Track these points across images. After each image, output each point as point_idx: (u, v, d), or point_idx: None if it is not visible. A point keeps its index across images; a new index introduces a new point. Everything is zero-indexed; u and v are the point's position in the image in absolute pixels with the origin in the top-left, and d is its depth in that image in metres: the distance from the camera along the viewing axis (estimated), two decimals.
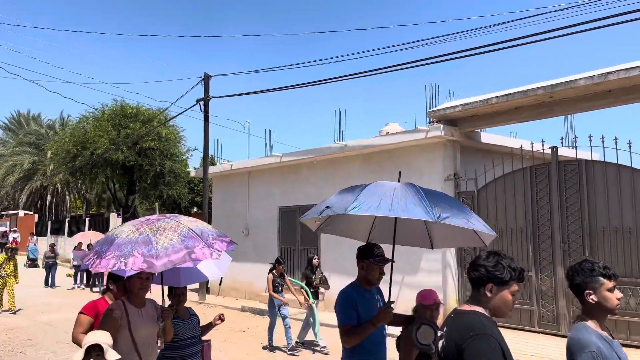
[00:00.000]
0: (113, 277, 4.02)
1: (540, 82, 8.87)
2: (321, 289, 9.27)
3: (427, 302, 3.71)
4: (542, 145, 9.23)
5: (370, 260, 3.40)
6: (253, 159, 14.73)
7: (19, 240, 27.53)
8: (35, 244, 26.80)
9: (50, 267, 17.81)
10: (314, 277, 8.91)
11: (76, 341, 3.84)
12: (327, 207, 3.18)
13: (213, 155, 21.51)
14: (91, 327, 3.83)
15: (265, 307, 12.30)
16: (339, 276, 12.06)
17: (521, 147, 9.60)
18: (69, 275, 18.71)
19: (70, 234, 27.92)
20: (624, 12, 7.22)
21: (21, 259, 25.39)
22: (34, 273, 21.70)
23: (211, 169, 15.98)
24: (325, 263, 12.40)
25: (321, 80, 12.27)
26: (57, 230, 30.19)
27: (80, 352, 3.06)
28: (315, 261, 9.06)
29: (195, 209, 33.40)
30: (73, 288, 17.36)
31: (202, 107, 15.21)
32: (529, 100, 9.09)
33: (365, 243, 3.56)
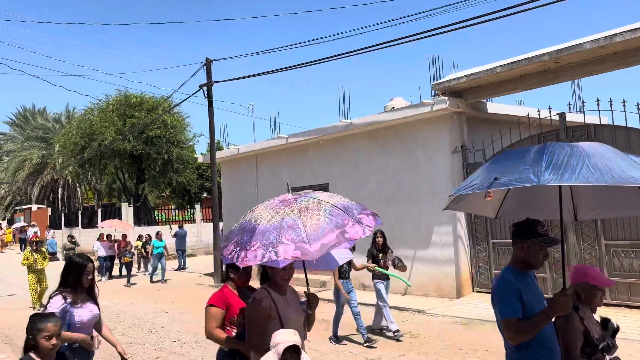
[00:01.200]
0: (232, 265, 3.57)
1: (545, 48, 8.73)
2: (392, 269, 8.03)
3: (601, 284, 3.09)
4: (550, 112, 9.14)
5: (536, 240, 2.80)
6: (259, 142, 14.73)
7: (39, 234, 27.65)
8: (53, 237, 26.79)
9: None
10: (381, 256, 7.91)
11: (214, 337, 3.43)
12: (496, 179, 2.59)
13: (219, 140, 21.53)
14: (224, 320, 3.46)
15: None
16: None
17: (528, 115, 9.51)
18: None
19: (84, 226, 28.26)
20: None
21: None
22: (54, 266, 21.85)
23: (218, 154, 16.02)
24: None
25: (323, 59, 12.16)
26: (71, 222, 30.54)
27: (272, 354, 2.78)
28: (379, 239, 7.89)
29: (205, 195, 33.63)
30: (99, 280, 16.47)
31: (206, 92, 15.17)
32: (534, 67, 8.97)
33: (521, 219, 2.96)
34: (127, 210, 24.17)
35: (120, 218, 24.11)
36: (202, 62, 15.33)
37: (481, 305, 9.08)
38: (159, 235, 16.35)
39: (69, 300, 3.74)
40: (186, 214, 28.25)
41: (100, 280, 16.50)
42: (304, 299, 3.34)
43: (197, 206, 26.62)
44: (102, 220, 26.22)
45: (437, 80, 10.58)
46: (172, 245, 19.29)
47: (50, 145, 38.00)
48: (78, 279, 3.79)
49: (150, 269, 16.47)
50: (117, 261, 17.35)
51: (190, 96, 16.51)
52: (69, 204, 40.34)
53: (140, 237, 18.46)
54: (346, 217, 2.84)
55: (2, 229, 35.40)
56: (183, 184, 28.71)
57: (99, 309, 4.00)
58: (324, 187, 12.82)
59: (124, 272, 16.37)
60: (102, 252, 17.10)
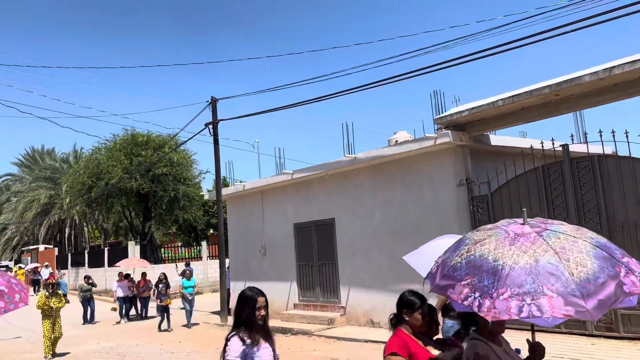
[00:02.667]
0: (406, 304, 3.24)
1: (545, 80, 8.85)
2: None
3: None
4: (553, 143, 9.18)
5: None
6: (265, 178, 14.82)
7: (55, 275, 26.69)
8: (62, 278, 25.92)
9: (88, 301, 16.31)
10: None
11: None
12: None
13: (225, 177, 21.72)
14: None
15: (288, 325, 12.30)
16: (356, 289, 12.04)
17: (531, 146, 9.56)
18: (114, 310, 16.85)
19: (91, 265, 28.19)
20: (621, 6, 7.21)
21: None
22: (66, 309, 20.89)
23: (224, 191, 16.10)
24: (343, 277, 12.38)
25: (326, 96, 12.35)
26: (78, 263, 30.50)
27: None
28: None
29: (211, 231, 33.61)
30: (119, 322, 15.99)
31: (211, 130, 15.37)
32: (535, 100, 9.07)
33: None
34: (134, 249, 24.15)
35: (127, 257, 24.07)
36: (207, 101, 15.60)
37: None
38: (186, 274, 15.34)
39: (248, 341, 3.30)
40: (192, 251, 28.18)
41: (120, 322, 15.99)
42: (514, 346, 2.90)
43: (204, 243, 26.56)
44: (109, 259, 26.20)
45: (439, 114, 10.69)
46: (178, 283, 19.16)
47: (57, 185, 38.34)
48: (251, 315, 3.38)
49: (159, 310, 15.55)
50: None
51: (196, 134, 16.68)
52: (75, 244, 40.35)
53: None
54: (615, 263, 2.25)
55: (11, 270, 35.26)
56: (189, 221, 28.76)
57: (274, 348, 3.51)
58: (330, 222, 12.82)
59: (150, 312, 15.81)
60: (121, 293, 16.39)
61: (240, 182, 16.24)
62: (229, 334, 3.39)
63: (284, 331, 12.14)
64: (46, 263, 31.30)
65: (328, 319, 12.11)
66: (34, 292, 27.91)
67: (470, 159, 10.44)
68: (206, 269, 25.16)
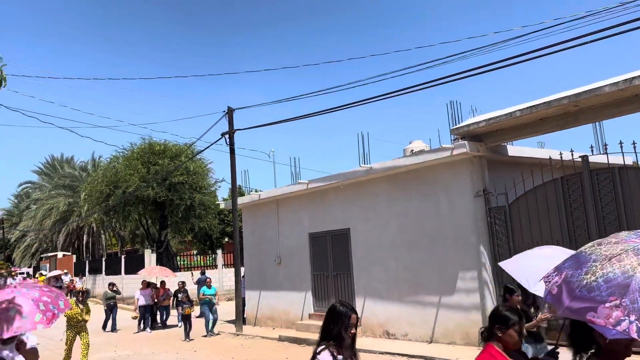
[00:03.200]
0: (501, 319, 3.02)
1: (564, 91, 8.76)
2: None
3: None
4: (572, 154, 9.07)
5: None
6: (280, 188, 14.86)
7: (76, 282, 26.27)
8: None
9: (112, 309, 16.13)
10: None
11: None
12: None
13: (241, 186, 21.82)
14: None
15: (303, 335, 12.26)
16: (372, 299, 11.97)
17: (550, 157, 9.45)
18: (135, 318, 16.42)
19: (108, 273, 28.47)
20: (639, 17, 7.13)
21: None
22: (91, 323, 20.52)
23: (240, 200, 16.17)
24: (359, 287, 12.32)
25: (342, 106, 12.39)
26: (95, 270, 30.82)
27: None
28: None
29: (226, 239, 33.75)
30: (139, 331, 15.78)
31: (227, 140, 15.49)
32: (554, 110, 8.97)
33: None
34: (150, 257, 24.34)
35: (143, 264, 24.26)
36: (224, 111, 15.73)
37: None
38: (208, 282, 15.27)
39: (339, 357, 3.18)
40: (208, 259, 28.32)
41: (141, 331, 15.75)
42: None
43: (219, 251, 26.67)
44: (126, 267, 26.44)
45: (456, 124, 10.64)
46: (194, 291, 19.23)
47: (76, 193, 38.90)
48: (343, 332, 3.26)
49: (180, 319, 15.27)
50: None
51: (212, 144, 16.79)
52: (93, 251, 40.83)
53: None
54: None
55: (31, 276, 35.67)
56: (205, 230, 28.94)
57: None
58: (345, 232, 12.79)
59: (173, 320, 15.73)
60: (142, 301, 16.07)
61: (256, 191, 16.31)
62: (317, 348, 3.23)
63: (299, 341, 12.11)
64: (65, 270, 31.59)
65: None
66: None
67: (488, 169, 10.36)
68: (221, 278, 25.23)
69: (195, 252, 32.43)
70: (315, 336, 11.87)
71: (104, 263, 29.80)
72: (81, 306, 10.54)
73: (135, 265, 25.53)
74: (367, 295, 12.14)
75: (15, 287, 3.72)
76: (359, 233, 12.48)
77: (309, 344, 11.80)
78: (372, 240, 12.12)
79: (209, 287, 15.04)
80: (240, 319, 14.73)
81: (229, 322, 16.09)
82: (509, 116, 9.34)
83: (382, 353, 10.07)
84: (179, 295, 15.66)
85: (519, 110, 9.22)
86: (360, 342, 11.19)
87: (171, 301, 17.23)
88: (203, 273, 20.46)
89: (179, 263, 27.78)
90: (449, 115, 11.09)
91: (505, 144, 10.78)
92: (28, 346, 3.70)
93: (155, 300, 16.52)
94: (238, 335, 14.10)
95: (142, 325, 16.01)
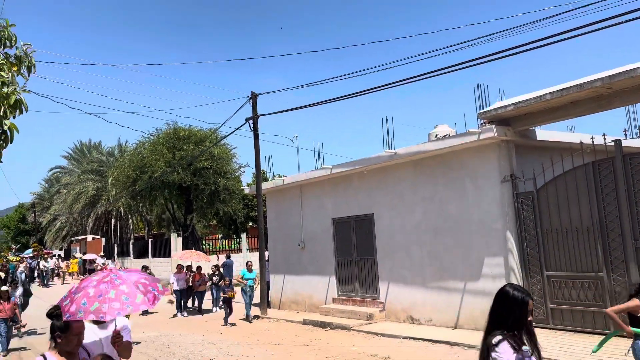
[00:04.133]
0: None
1: (597, 73, 8.48)
2: None
3: None
4: (604, 138, 8.81)
5: None
6: (304, 173, 14.87)
7: (109, 265, 26.73)
8: None
9: None
10: None
11: None
12: None
13: (265, 171, 21.91)
14: None
15: (327, 319, 12.35)
16: (396, 284, 11.95)
17: (581, 142, 9.19)
18: (171, 302, 16.20)
19: (135, 256, 29.11)
20: None
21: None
22: None
23: (264, 185, 16.26)
24: (383, 272, 12.31)
25: (366, 90, 12.25)
26: (123, 253, 31.52)
27: None
28: None
29: (250, 224, 34.07)
30: (175, 316, 15.61)
31: (251, 125, 15.52)
32: (586, 93, 8.70)
33: None
34: (176, 241, 24.73)
35: (169, 248, 24.67)
36: (247, 96, 15.74)
37: None
38: (248, 265, 14.62)
39: (525, 348, 2.83)
40: (232, 243, 28.66)
41: (176, 315, 15.64)
42: None
43: (243, 236, 26.95)
44: (152, 250, 26.95)
45: (483, 108, 10.43)
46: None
47: (104, 177, 39.68)
48: (523, 319, 2.87)
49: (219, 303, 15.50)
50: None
51: (236, 129, 16.82)
52: (121, 234, 41.74)
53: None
54: None
55: (62, 259, 36.62)
56: (229, 214, 29.22)
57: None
58: (369, 218, 12.75)
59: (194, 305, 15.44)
60: (177, 286, 15.91)
61: (280, 176, 16.36)
62: (493, 338, 2.84)
63: (323, 325, 12.20)
64: (101, 253, 32.30)
65: (367, 314, 12.08)
66: None
67: (516, 154, 10.15)
68: (246, 261, 25.53)
69: (220, 236, 32.83)
70: (340, 320, 12.00)
71: (131, 246, 30.45)
72: None
73: (162, 248, 26.02)
74: (391, 281, 12.13)
75: (111, 270, 3.71)
76: (383, 218, 12.43)
77: (332, 328, 11.88)
78: (396, 225, 12.06)
79: (250, 270, 14.51)
80: (264, 302, 14.90)
81: (254, 305, 16.29)
82: (539, 99, 9.10)
83: (406, 338, 10.07)
84: (214, 278, 15.76)
85: (549, 93, 8.97)
86: (384, 327, 11.24)
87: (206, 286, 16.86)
88: (228, 257, 20.73)
89: (204, 247, 28.18)
90: (476, 99, 10.89)
91: (534, 128, 10.53)
92: (118, 326, 3.65)
93: (190, 285, 16.33)
94: (263, 318, 14.28)
95: (180, 311, 15.79)
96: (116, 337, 3.57)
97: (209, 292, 16.76)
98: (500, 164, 9.99)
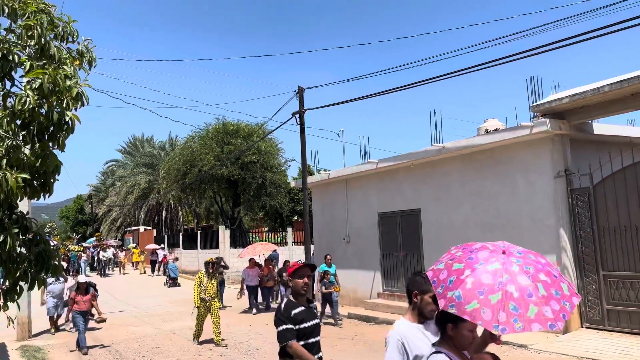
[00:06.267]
0: None
1: None
2: None
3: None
4: None
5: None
6: (350, 167, 14.86)
7: (169, 256, 26.66)
8: (174, 261, 23.88)
9: (220, 285, 13.99)
10: None
11: None
12: None
13: (310, 165, 22.02)
14: None
15: (372, 314, 12.33)
16: None
17: None
18: (239, 298, 14.95)
19: (185, 247, 29.99)
20: None
21: (159, 278, 25.92)
22: (177, 290, 20.67)
23: (310, 179, 16.36)
24: (429, 267, 12.14)
25: (413, 83, 12.06)
26: (173, 244, 32.53)
27: None
28: None
29: (296, 217, 34.41)
30: (244, 312, 14.61)
31: (298, 119, 15.63)
32: None
33: None
34: (224, 233, 25.30)
35: (217, 240, 25.23)
36: (294, 91, 15.84)
37: (591, 343, 8.34)
38: (327, 260, 13.06)
39: None
40: (278, 236, 29.04)
41: (247, 312, 14.50)
42: None
43: (289, 229, 27.27)
44: (201, 242, 27.67)
45: (536, 101, 10.09)
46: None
47: (156, 171, 41.05)
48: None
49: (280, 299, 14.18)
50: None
51: (283, 124, 16.99)
52: (171, 226, 43.11)
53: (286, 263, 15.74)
54: None
55: (120, 248, 37.94)
56: (275, 208, 29.61)
57: None
58: (415, 213, 12.61)
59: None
60: (249, 282, 14.79)
61: (325, 170, 16.42)
62: None
63: (368, 320, 12.19)
64: (162, 245, 32.48)
65: None
66: (152, 273, 29.35)
67: (570, 149, 9.77)
68: (291, 255, 25.81)
69: (266, 229, 33.35)
70: (385, 315, 11.96)
71: (181, 238, 31.38)
72: (212, 281, 10.17)
73: (210, 240, 26.68)
74: None
75: (495, 250, 2.50)
76: (430, 213, 12.27)
77: (377, 323, 11.85)
78: (443, 220, 11.88)
79: (329, 265, 12.96)
80: (310, 295, 14.99)
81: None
82: (596, 91, 8.71)
83: None
84: (284, 274, 14.22)
85: (608, 85, 8.57)
86: None
87: (276, 282, 15.32)
88: (274, 250, 20.93)
89: (250, 239, 28.70)
90: (529, 92, 10.56)
91: (591, 121, 10.10)
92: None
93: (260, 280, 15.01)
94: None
95: (252, 308, 14.49)
96: None
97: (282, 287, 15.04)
98: (554, 158, 9.64)
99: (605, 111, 9.31)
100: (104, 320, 10.58)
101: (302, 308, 3.97)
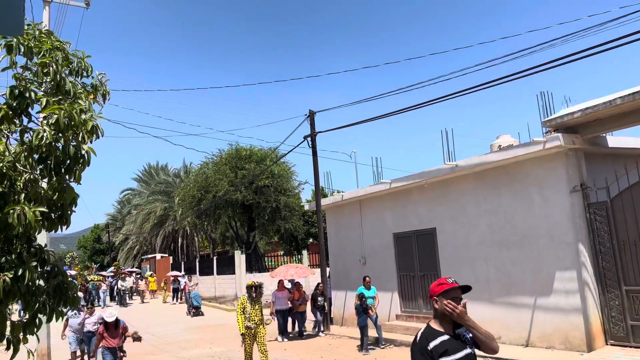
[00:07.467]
0: None
1: None
2: None
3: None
4: None
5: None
6: (363, 188, 14.84)
7: (190, 283, 24.53)
8: (195, 289, 22.97)
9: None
10: None
11: None
12: None
13: (323, 187, 22.08)
14: None
15: (391, 336, 12.15)
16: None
17: None
18: (267, 324, 13.66)
19: (201, 273, 29.99)
20: None
21: (181, 307, 25.22)
22: (196, 320, 19.71)
23: (323, 201, 16.36)
24: None
25: (424, 103, 12.11)
26: (189, 270, 32.58)
27: None
28: None
29: (311, 240, 34.32)
30: (276, 339, 13.60)
31: (310, 142, 15.74)
32: None
33: None
34: (240, 258, 25.32)
35: (233, 265, 25.18)
36: (305, 114, 16.01)
37: None
38: (367, 282, 12.25)
39: None
40: (294, 259, 28.96)
41: (277, 339, 13.66)
42: None
43: (304, 252, 27.19)
44: (217, 267, 27.66)
45: (547, 116, 10.05)
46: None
47: (171, 198, 41.43)
48: None
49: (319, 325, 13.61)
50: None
51: (295, 147, 17.09)
52: (187, 252, 43.26)
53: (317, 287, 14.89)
54: None
55: (140, 276, 37.85)
56: (290, 231, 29.62)
57: None
58: (431, 232, 12.51)
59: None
60: (280, 305, 14.06)
61: (339, 192, 16.42)
62: None
63: (387, 342, 12.00)
64: (182, 273, 31.25)
65: None
66: (174, 301, 28.36)
67: (585, 162, 9.67)
68: (307, 278, 25.67)
69: (281, 252, 33.28)
70: (404, 337, 11.80)
71: (197, 264, 31.43)
72: (253, 303, 9.41)
73: (226, 265, 26.69)
74: None
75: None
76: (446, 232, 12.16)
77: (396, 345, 11.67)
78: (459, 239, 11.76)
79: (368, 287, 12.20)
80: (327, 319, 14.88)
81: (314, 321, 16.30)
82: (609, 104, 8.65)
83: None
84: (319, 299, 14.04)
85: (620, 97, 8.52)
86: None
87: (307, 306, 14.83)
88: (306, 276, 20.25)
89: (266, 264, 28.65)
90: (540, 107, 10.50)
91: (605, 134, 10.01)
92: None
93: (290, 306, 14.40)
94: (325, 334, 14.25)
95: (282, 335, 13.91)
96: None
97: (311, 313, 14.76)
98: (569, 173, 9.54)
99: (619, 124, 9.23)
100: (139, 339, 9.60)
101: (445, 338, 3.10)
